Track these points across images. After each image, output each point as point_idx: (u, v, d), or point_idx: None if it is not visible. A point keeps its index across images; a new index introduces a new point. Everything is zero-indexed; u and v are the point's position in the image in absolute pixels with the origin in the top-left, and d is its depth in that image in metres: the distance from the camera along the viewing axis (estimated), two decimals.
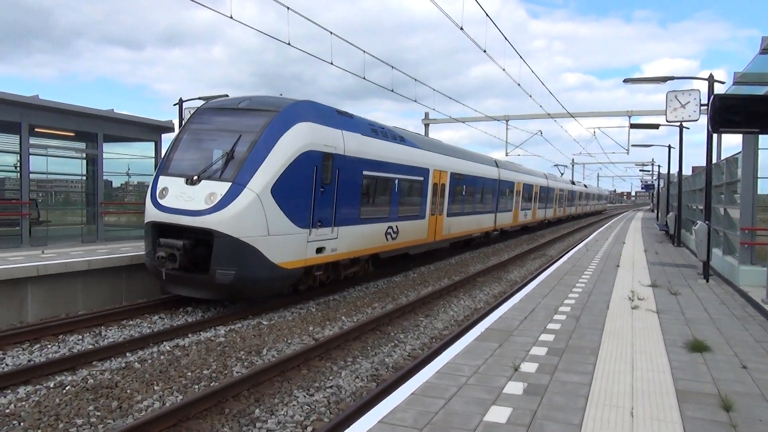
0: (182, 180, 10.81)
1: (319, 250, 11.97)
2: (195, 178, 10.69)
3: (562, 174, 56.68)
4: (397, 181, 15.59)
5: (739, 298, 11.08)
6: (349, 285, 14.35)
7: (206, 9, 12.08)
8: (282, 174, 10.73)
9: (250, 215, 10.25)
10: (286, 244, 10.99)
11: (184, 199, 10.52)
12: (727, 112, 9.48)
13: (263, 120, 11.14)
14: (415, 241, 17.25)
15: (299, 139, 11.22)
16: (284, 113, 11.34)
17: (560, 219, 47.47)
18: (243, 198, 10.25)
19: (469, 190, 22.29)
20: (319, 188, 11.74)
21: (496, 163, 27.30)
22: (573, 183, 55.20)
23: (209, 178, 10.66)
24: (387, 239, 15.20)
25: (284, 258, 10.94)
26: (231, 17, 12.48)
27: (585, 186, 66.79)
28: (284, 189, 10.81)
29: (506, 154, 40.19)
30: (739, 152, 13.23)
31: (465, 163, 22.01)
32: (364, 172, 13.69)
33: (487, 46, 17.51)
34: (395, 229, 15.65)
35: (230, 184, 10.39)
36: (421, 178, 17.28)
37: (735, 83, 12.12)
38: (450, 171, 19.83)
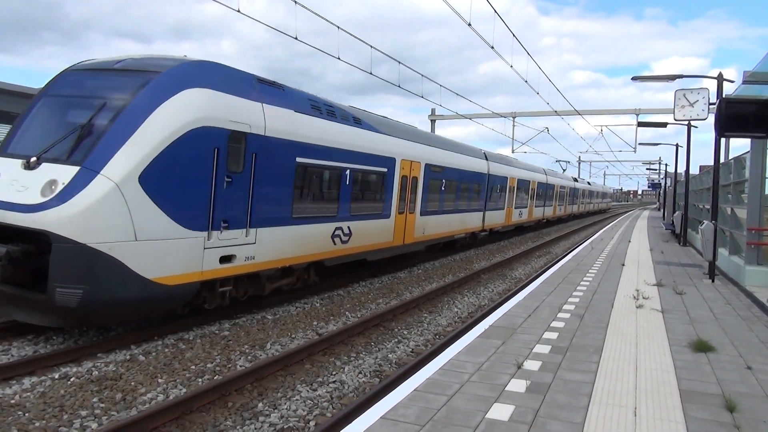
0: (19, 163, 8.16)
1: (226, 259, 9.34)
2: (33, 159, 8.00)
3: (564, 170, 53.04)
4: (348, 172, 12.75)
5: (745, 299, 11.03)
6: (353, 280, 14.36)
7: (215, 3, 12.01)
8: (158, 156, 8.11)
9: (104, 212, 7.62)
10: (167, 253, 8.35)
11: (16, 188, 7.87)
12: (734, 117, 9.45)
13: (137, 83, 8.56)
14: (375, 244, 14.49)
15: (188, 110, 8.57)
16: (167, 75, 8.70)
17: (561, 218, 45.03)
18: (95, 188, 7.60)
19: (451, 185, 19.52)
20: (224, 178, 9.04)
21: (486, 156, 24.37)
22: (576, 180, 52.41)
23: (53, 160, 7.99)
24: (334, 243, 12.52)
25: (163, 271, 8.31)
26: (238, 11, 12.48)
27: (589, 183, 63.78)
28: (161, 177, 8.20)
29: (512, 151, 40.11)
30: (747, 152, 13.16)
31: (444, 154, 19.04)
32: (299, 160, 10.92)
33: (496, 43, 17.45)
34: (346, 231, 12.98)
35: (78, 168, 7.73)
36: (385, 170, 14.53)
37: (744, 82, 12.04)
38: (424, 162, 17.01)
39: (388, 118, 16.72)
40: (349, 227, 13.08)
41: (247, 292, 10.39)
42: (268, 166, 10.02)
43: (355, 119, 13.41)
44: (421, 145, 17.19)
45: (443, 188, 18.89)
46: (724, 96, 13.18)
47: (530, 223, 33.85)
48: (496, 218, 25.51)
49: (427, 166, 17.25)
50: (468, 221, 21.92)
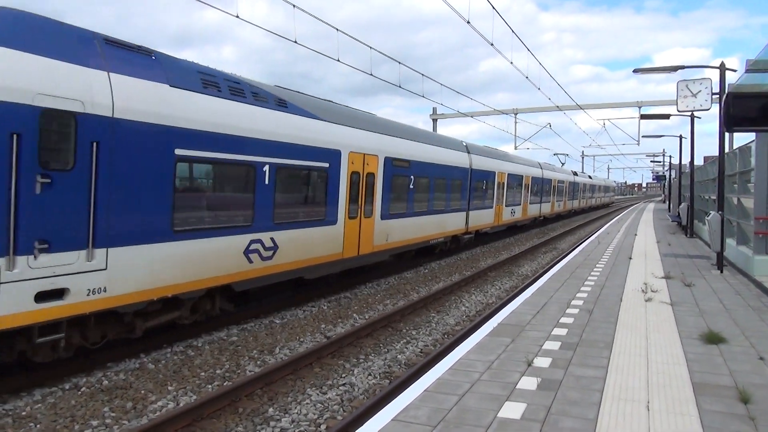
0: None
1: (50, 296, 6.62)
2: None
3: (563, 164, 49.84)
4: (268, 169, 10.03)
5: (754, 289, 10.96)
6: (359, 282, 14.34)
7: (215, 10, 12.00)
8: None
9: None
10: None
11: None
12: (741, 111, 9.43)
13: None
14: (316, 258, 11.60)
15: None
16: None
17: (560, 215, 42.29)
18: None
19: (421, 183, 16.67)
20: (34, 178, 6.42)
21: (467, 149, 21.35)
22: (575, 174, 48.30)
23: None
24: (250, 261, 9.70)
25: None
26: (237, 16, 12.49)
27: (590, 177, 59.88)
28: None
29: (515, 148, 40.03)
30: (752, 141, 13.09)
31: (411, 146, 16.10)
32: (181, 152, 8.25)
33: (496, 40, 17.43)
34: (269, 244, 10.14)
35: None
36: (326, 165, 11.77)
37: (747, 71, 11.95)
38: (384, 155, 14.22)
39: (335, 103, 13.61)
40: (273, 239, 10.23)
41: (105, 335, 7.73)
42: (122, 160, 7.38)
43: (278, 101, 10.56)
44: (379, 135, 14.30)
45: (412, 186, 16.10)
46: (729, 89, 13.11)
47: (525, 222, 31.19)
48: (483, 218, 22.77)
49: (388, 160, 14.49)
50: (447, 223, 19.10)
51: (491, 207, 23.78)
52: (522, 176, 28.79)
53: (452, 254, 20.48)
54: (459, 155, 20.08)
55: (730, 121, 9.65)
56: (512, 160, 28.23)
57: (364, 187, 13.43)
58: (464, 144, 21.50)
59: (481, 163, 22.20)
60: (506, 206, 26.02)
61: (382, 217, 14.40)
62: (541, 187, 33.79)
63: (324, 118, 11.98)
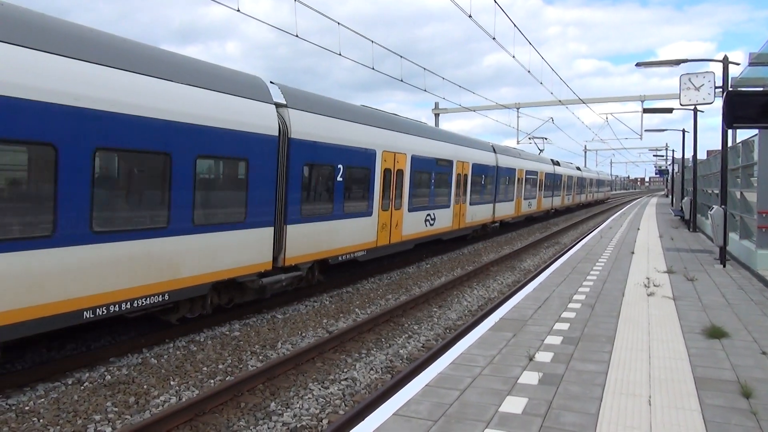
0: None
1: None
2: None
3: (541, 151, 40.57)
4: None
5: (757, 283, 10.93)
6: (362, 277, 14.35)
7: (218, 5, 11.97)
8: None
9: None
10: None
11: None
12: (741, 108, 9.45)
13: None
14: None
15: None
16: None
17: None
18: None
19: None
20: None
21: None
22: (557, 163, 38.61)
23: None
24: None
25: None
26: (238, 10, 12.44)
27: (578, 168, 48.91)
28: None
29: (518, 142, 39.92)
30: (755, 135, 13.02)
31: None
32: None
33: (500, 34, 17.41)
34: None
35: None
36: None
37: (750, 64, 11.90)
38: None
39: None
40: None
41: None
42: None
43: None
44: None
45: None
46: (732, 82, 13.06)
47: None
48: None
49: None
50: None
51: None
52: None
53: (455, 249, 20.65)
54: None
55: (731, 120, 9.71)
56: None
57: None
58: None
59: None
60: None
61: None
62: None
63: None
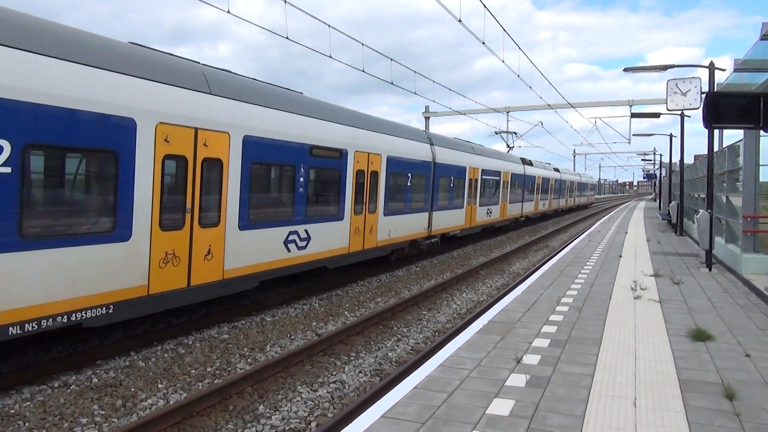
0: None
1: None
2: None
3: (510, 148, 37.03)
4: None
5: (742, 287, 11.06)
6: (352, 280, 14.35)
7: (210, 7, 11.95)
8: None
9: None
10: None
11: None
12: (720, 109, 9.65)
13: None
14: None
15: None
16: None
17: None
18: None
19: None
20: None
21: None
22: (528, 163, 34.28)
23: None
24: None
25: None
26: (228, 11, 12.44)
27: (556, 170, 43.76)
28: None
29: (507, 146, 40.06)
30: (741, 140, 13.19)
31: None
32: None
33: (490, 38, 17.51)
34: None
35: None
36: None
37: (735, 70, 12.06)
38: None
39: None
40: None
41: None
42: None
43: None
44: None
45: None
46: (716, 85, 13.22)
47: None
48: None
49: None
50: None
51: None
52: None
53: (444, 252, 20.58)
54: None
55: (710, 119, 9.89)
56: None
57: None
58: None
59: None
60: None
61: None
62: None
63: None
